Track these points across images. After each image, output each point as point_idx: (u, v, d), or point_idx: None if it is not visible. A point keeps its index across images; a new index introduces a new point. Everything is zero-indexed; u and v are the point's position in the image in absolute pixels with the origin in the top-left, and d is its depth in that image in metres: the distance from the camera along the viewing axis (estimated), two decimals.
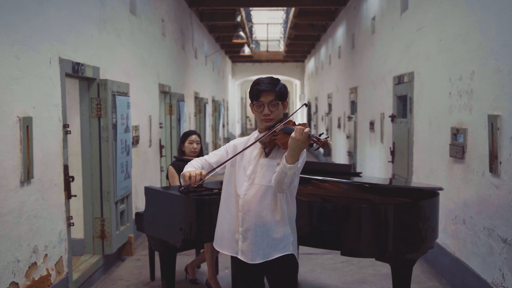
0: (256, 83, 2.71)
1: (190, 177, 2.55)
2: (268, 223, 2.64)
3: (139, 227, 4.13)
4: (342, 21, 11.36)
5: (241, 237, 2.70)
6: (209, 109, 14.10)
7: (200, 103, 12.40)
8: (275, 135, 2.60)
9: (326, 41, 14.51)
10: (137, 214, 4.12)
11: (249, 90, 2.76)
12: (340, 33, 11.75)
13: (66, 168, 4.21)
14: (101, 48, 5.14)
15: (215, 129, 16.03)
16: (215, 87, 16.29)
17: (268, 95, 2.65)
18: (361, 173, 4.25)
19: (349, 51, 10.42)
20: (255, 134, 2.80)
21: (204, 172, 2.61)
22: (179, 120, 8.91)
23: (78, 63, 4.45)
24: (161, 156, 7.97)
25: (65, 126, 4.19)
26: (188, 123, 10.57)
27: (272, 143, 2.63)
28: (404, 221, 3.29)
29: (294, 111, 2.71)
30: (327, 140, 2.38)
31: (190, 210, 3.56)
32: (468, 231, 4.33)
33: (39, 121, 3.73)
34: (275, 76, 2.81)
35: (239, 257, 2.71)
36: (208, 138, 13.56)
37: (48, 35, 3.91)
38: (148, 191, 3.98)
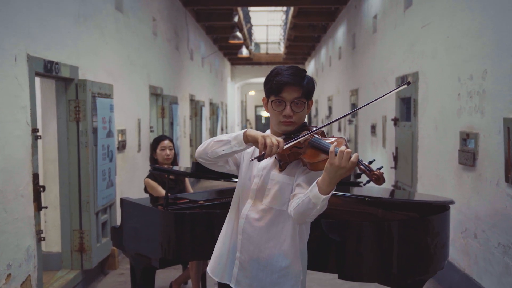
0: (277, 73, 2.07)
1: (266, 145, 1.89)
2: (274, 257, 2.09)
3: (116, 243, 3.71)
4: (342, 21, 10.97)
5: (238, 264, 2.16)
6: (206, 112, 13.73)
7: (196, 106, 12.02)
8: (298, 147, 1.96)
9: (326, 42, 14.13)
10: (113, 228, 3.71)
11: (264, 81, 2.14)
12: (340, 33, 11.37)
13: (35, 177, 3.81)
14: (80, 46, 4.74)
15: (212, 133, 15.66)
16: (212, 89, 15.90)
17: (292, 91, 2.03)
18: (361, 182, 3.83)
19: (350, 52, 10.03)
20: None
21: (282, 144, 1.91)
22: (171, 123, 8.52)
23: (51, 62, 4.05)
24: None
25: (35, 130, 3.79)
26: (183, 127, 10.19)
27: (293, 157, 1.99)
28: (410, 240, 2.89)
29: (393, 89, 2.00)
30: (383, 173, 1.71)
31: (168, 226, 3.16)
32: (481, 247, 3.92)
33: (1, 125, 3.33)
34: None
35: (231, 285, 2.18)
36: None
37: (13, 29, 3.52)
38: (124, 203, 3.57)
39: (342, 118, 2.19)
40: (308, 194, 1.84)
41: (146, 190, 4.47)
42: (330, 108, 13.41)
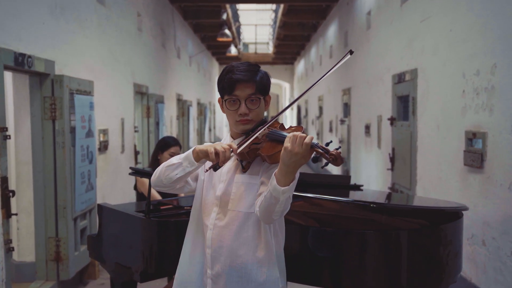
0: (229, 70, 1.94)
1: (217, 152, 1.78)
2: (248, 265, 1.90)
3: (94, 254, 3.36)
4: (334, 19, 10.71)
5: (210, 282, 1.95)
6: (193, 112, 13.40)
7: (183, 106, 11.68)
8: (256, 143, 1.87)
9: (316, 41, 13.87)
10: (90, 237, 3.35)
11: (217, 81, 1.99)
12: (331, 31, 11.09)
13: (4, 180, 3.46)
14: (57, 39, 4.39)
15: (200, 133, 15.33)
16: (200, 89, 15.57)
17: (245, 87, 1.90)
18: (362, 186, 3.53)
19: (342, 50, 9.76)
20: (227, 141, 2.05)
21: (235, 145, 1.82)
22: (157, 123, 8.17)
23: (23, 54, 3.70)
24: (136, 163, 7.22)
25: (3, 129, 3.43)
26: (169, 127, 9.84)
27: (253, 155, 1.88)
28: (421, 251, 2.59)
29: (330, 70, 1.88)
30: (340, 153, 1.60)
31: (150, 235, 2.83)
32: (490, 255, 3.64)
33: None
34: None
35: None
36: (192, 143, 12.83)
37: None
38: (103, 210, 3.22)
39: (291, 105, 2.00)
40: (269, 188, 1.72)
41: (135, 187, 4.16)
42: (320, 108, 13.14)
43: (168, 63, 9.94)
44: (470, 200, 3.93)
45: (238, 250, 1.90)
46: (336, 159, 1.58)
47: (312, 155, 1.64)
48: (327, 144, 1.64)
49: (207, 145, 1.85)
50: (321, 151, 1.61)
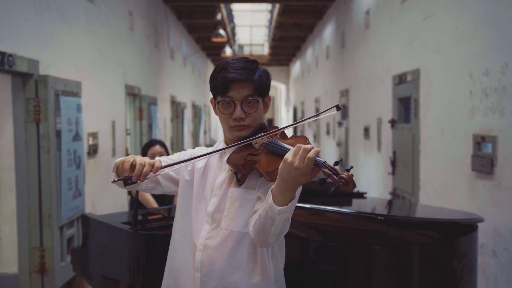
0: (223, 67, 1.68)
1: (134, 164, 1.57)
2: None
3: (79, 268, 3.12)
4: (330, 19, 10.50)
5: None
6: (188, 114, 13.17)
7: (177, 108, 11.44)
8: (253, 154, 1.62)
9: (312, 42, 13.67)
10: (73, 250, 3.12)
11: (209, 78, 1.74)
12: (328, 31, 10.89)
13: None
14: (41, 37, 4.16)
15: (195, 136, 15.10)
16: (195, 91, 15.34)
17: (241, 88, 1.65)
18: (365, 193, 3.32)
19: (339, 51, 9.55)
20: (220, 147, 1.79)
21: (159, 163, 1.60)
22: (150, 126, 7.93)
23: (3, 53, 3.47)
24: None
25: None
26: (163, 130, 9.60)
27: (249, 167, 1.63)
28: (433, 266, 2.38)
29: (312, 116, 1.67)
30: (352, 176, 1.34)
31: (137, 249, 2.60)
32: (502, 267, 3.43)
33: None
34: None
35: None
36: (187, 145, 12.60)
37: None
38: (89, 221, 2.99)
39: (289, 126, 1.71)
40: (264, 206, 1.48)
41: (129, 192, 3.94)
42: (317, 110, 12.94)
43: (162, 64, 9.71)
44: (478, 208, 3.71)
45: (231, 276, 1.65)
46: (348, 183, 1.32)
47: (319, 176, 1.38)
48: (336, 164, 1.38)
49: (127, 157, 1.63)
50: (329, 172, 1.36)
